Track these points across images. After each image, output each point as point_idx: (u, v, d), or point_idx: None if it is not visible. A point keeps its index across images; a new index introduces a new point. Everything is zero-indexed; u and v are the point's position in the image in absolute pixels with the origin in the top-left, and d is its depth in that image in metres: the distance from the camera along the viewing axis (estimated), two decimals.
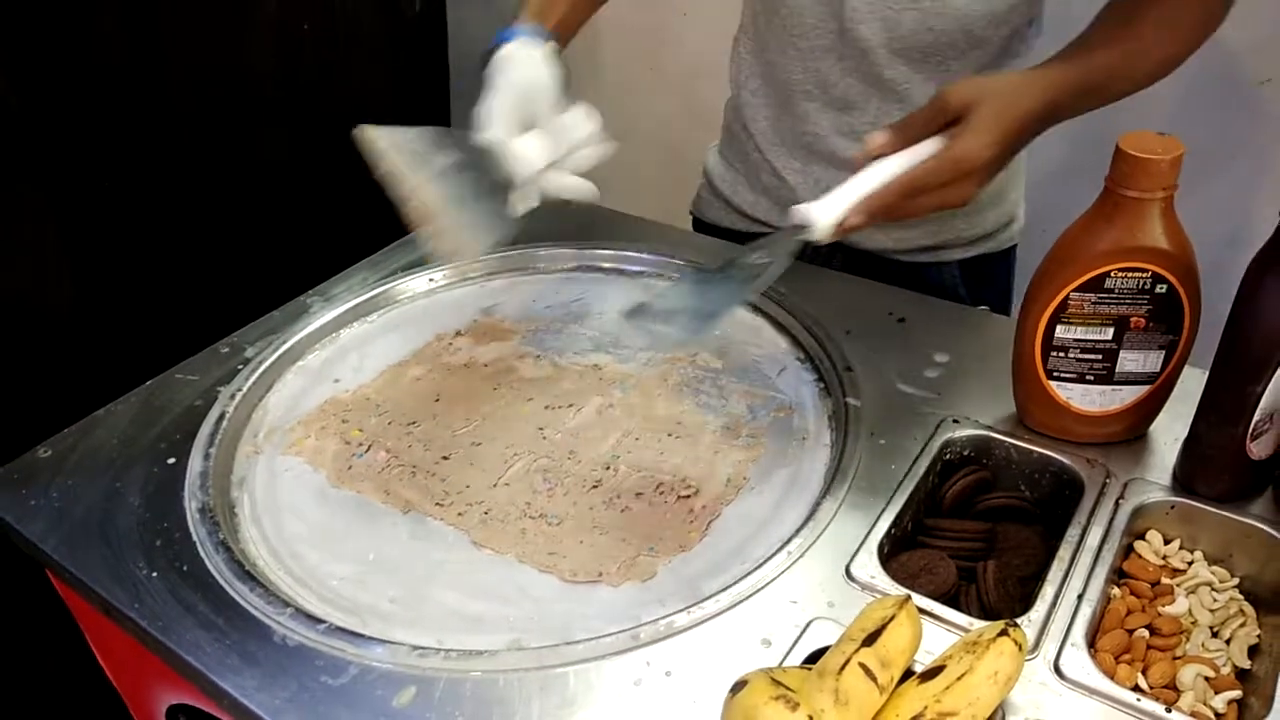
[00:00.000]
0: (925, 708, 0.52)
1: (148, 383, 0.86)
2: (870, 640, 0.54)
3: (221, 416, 0.80)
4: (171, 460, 0.77)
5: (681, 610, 0.63)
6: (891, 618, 0.55)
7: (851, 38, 0.87)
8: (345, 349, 0.92)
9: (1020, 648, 0.55)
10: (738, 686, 0.51)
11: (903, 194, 0.71)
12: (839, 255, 1.01)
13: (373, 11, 1.28)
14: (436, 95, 1.47)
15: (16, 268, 0.97)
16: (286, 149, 1.19)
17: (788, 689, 0.49)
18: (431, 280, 0.99)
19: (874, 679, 0.52)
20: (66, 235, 1.00)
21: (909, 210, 0.73)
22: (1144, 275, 0.66)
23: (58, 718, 1.07)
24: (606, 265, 1.01)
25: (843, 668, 0.52)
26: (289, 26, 1.17)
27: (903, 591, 0.62)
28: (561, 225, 1.05)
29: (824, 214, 0.72)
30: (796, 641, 0.60)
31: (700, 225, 1.14)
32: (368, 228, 1.09)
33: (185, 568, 0.67)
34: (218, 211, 1.12)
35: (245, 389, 0.83)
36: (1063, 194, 1.26)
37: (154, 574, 0.67)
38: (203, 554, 0.68)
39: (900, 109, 0.90)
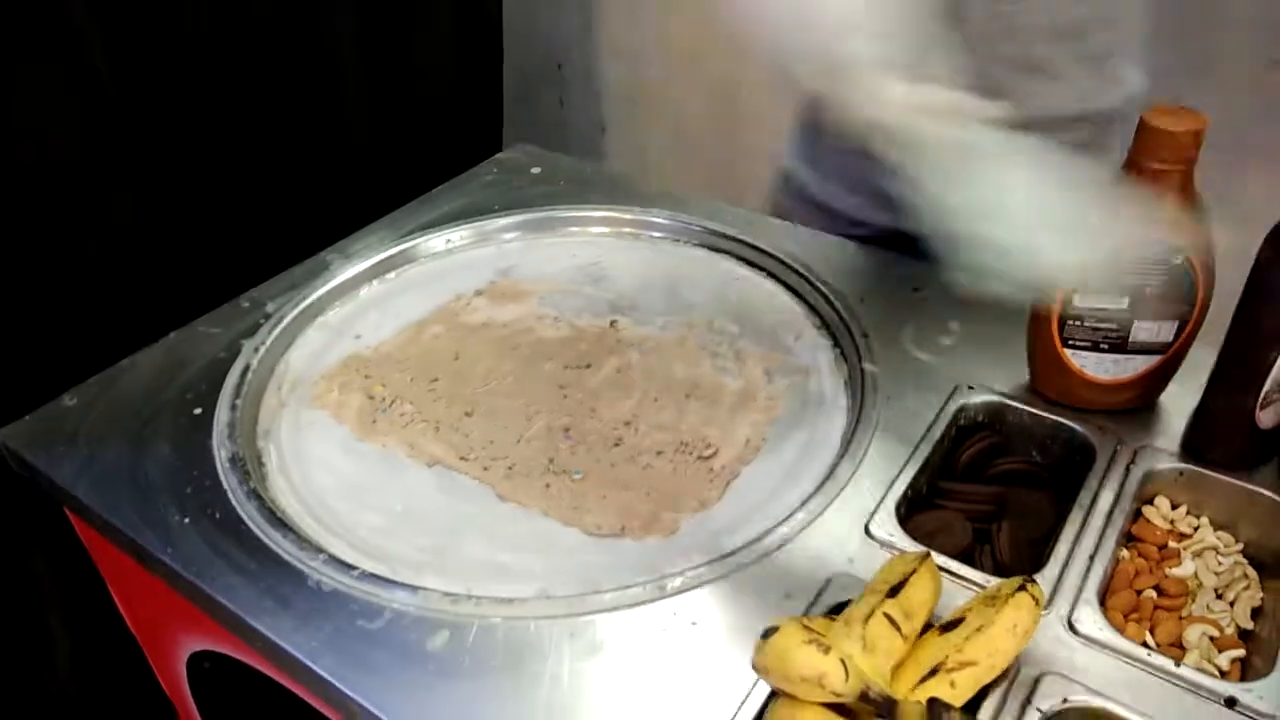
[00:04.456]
0: (947, 656, 0.54)
1: (170, 335, 0.86)
2: (894, 592, 0.55)
3: (246, 369, 0.81)
4: (198, 411, 0.78)
5: (705, 564, 0.65)
6: (913, 571, 0.57)
7: (1007, 23, 0.82)
8: (365, 306, 0.93)
9: (1037, 602, 0.56)
10: (769, 632, 0.52)
11: None
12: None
13: None
14: (491, 64, 1.48)
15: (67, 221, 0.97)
16: (305, 113, 1.18)
17: (819, 634, 0.51)
18: (449, 241, 1.00)
19: (898, 628, 0.54)
20: (114, 192, 1.00)
21: None
22: (1161, 246, 0.67)
23: (74, 669, 1.08)
24: (625, 229, 1.02)
25: (868, 617, 0.54)
26: None
27: (922, 549, 0.64)
28: (579, 189, 1.05)
29: None
30: (819, 595, 0.62)
31: None
32: (384, 186, 1.10)
33: (217, 514, 0.69)
34: (237, 169, 1.12)
35: (268, 343, 0.84)
36: None
37: (185, 519, 0.68)
38: (234, 501, 0.69)
39: (1044, 87, 0.85)
